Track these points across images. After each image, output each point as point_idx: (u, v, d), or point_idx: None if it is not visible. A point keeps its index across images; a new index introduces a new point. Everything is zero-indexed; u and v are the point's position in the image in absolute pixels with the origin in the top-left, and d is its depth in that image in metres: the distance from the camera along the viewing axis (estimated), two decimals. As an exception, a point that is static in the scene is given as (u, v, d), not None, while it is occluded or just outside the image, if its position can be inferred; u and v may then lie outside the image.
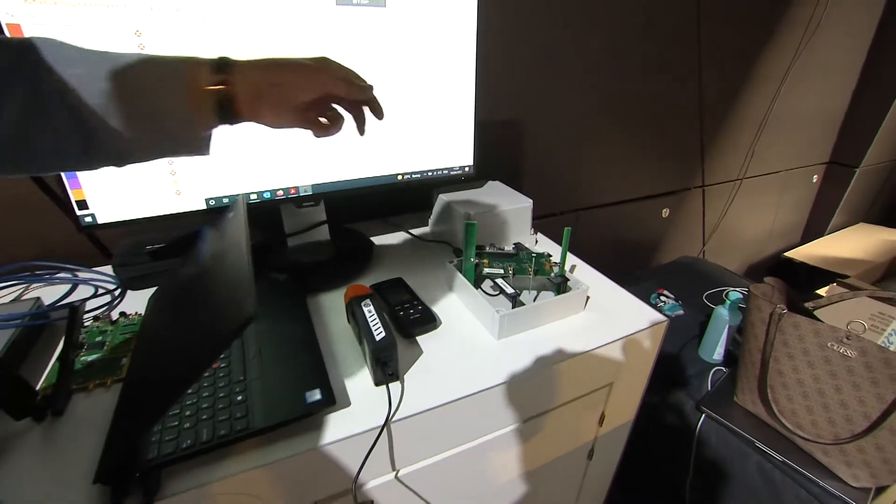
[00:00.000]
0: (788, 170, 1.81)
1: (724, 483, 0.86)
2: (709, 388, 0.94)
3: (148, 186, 0.59)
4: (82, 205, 0.56)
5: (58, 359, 0.50)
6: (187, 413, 0.44)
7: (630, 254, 1.45)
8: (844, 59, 1.69)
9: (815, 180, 1.97)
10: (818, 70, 1.59)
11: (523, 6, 0.94)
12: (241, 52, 0.57)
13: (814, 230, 2.10)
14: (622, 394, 0.66)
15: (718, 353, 0.99)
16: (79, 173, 0.55)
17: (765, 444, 0.80)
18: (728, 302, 0.95)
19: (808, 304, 0.84)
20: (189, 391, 0.46)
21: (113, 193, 0.57)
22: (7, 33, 0.48)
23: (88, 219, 0.57)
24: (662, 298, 1.21)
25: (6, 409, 0.45)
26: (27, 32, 0.48)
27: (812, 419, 0.75)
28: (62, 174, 0.54)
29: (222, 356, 0.51)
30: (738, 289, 1.22)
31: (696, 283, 1.29)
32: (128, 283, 0.67)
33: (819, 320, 0.73)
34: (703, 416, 0.89)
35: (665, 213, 1.48)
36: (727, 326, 0.95)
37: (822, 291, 1.20)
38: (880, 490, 0.73)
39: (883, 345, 0.75)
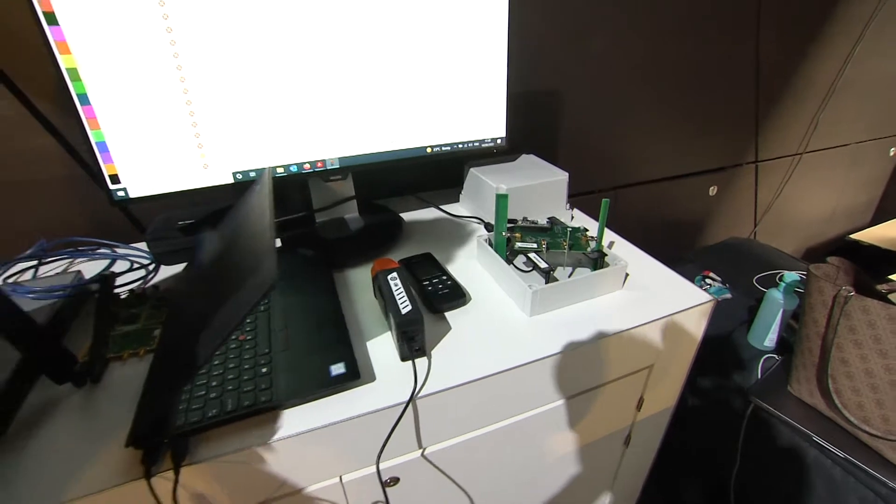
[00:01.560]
0: (859, 142, 1.64)
1: (776, 478, 0.81)
2: (759, 376, 0.88)
3: (176, 160, 0.59)
4: (115, 179, 0.57)
5: (94, 328, 0.52)
6: (213, 384, 0.44)
7: (673, 235, 1.37)
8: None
9: (892, 153, 1.78)
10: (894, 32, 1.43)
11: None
12: (263, 20, 0.55)
13: (889, 210, 1.91)
14: (662, 378, 0.62)
15: (771, 340, 0.92)
16: (111, 147, 0.56)
17: (823, 439, 0.74)
18: (783, 284, 0.87)
19: (882, 287, 0.75)
20: (215, 362, 0.46)
21: (143, 168, 0.58)
22: (40, 11, 0.48)
23: (121, 193, 0.58)
24: (708, 281, 1.14)
25: (49, 374, 0.46)
26: (57, 9, 0.48)
27: (882, 413, 0.68)
28: (95, 148, 0.55)
29: (248, 329, 0.50)
30: (794, 271, 1.13)
31: (745, 266, 1.20)
32: (160, 258, 0.68)
33: (894, 304, 0.66)
34: (752, 405, 0.83)
35: (713, 191, 1.38)
36: (781, 311, 0.88)
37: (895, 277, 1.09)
38: (958, 493, 0.66)
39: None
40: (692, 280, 1.14)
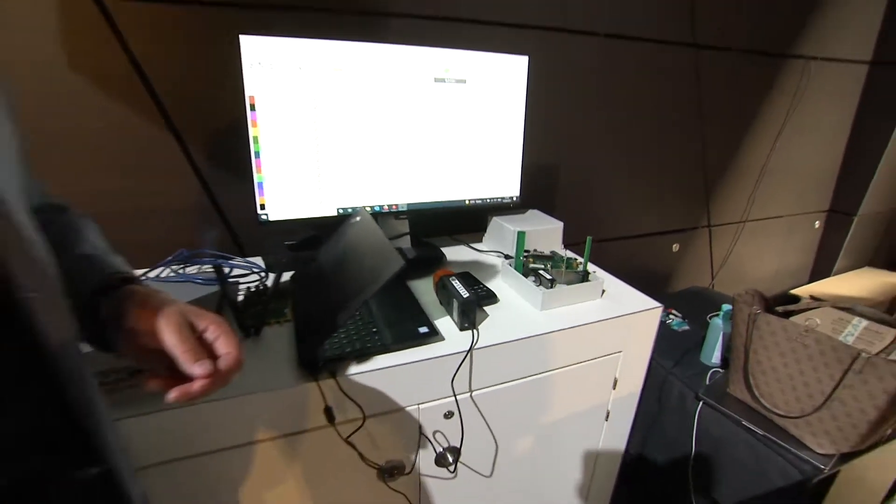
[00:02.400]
0: (791, 215, 2.02)
1: (720, 457, 1.05)
2: (707, 383, 1.14)
3: (302, 198, 0.87)
4: (262, 207, 0.85)
5: (247, 305, 0.77)
6: (342, 336, 0.69)
7: (644, 283, 1.66)
8: (832, 119, 1.93)
9: (817, 226, 2.17)
10: (808, 129, 1.84)
11: (560, 82, 1.24)
12: (345, 114, 0.86)
13: (820, 272, 2.27)
14: (630, 363, 0.89)
15: (716, 358, 1.19)
16: (265, 186, 0.84)
17: (750, 423, 0.99)
18: (722, 313, 1.16)
19: (781, 309, 1.05)
20: (347, 323, 0.72)
21: (281, 201, 0.86)
22: (247, 102, 0.78)
23: (265, 216, 0.86)
24: (671, 316, 1.43)
25: (240, 330, 0.71)
26: (256, 101, 0.79)
27: (784, 399, 0.95)
28: (256, 183, 0.83)
29: (357, 312, 0.76)
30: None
31: (702, 307, 1.49)
32: (269, 267, 0.94)
33: (788, 321, 0.95)
34: (701, 402, 1.09)
35: (675, 247, 1.71)
36: (721, 333, 1.16)
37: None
38: (846, 458, 0.91)
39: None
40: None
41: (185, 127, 0.94)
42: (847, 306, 1.04)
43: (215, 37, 0.89)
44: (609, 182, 1.47)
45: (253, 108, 0.80)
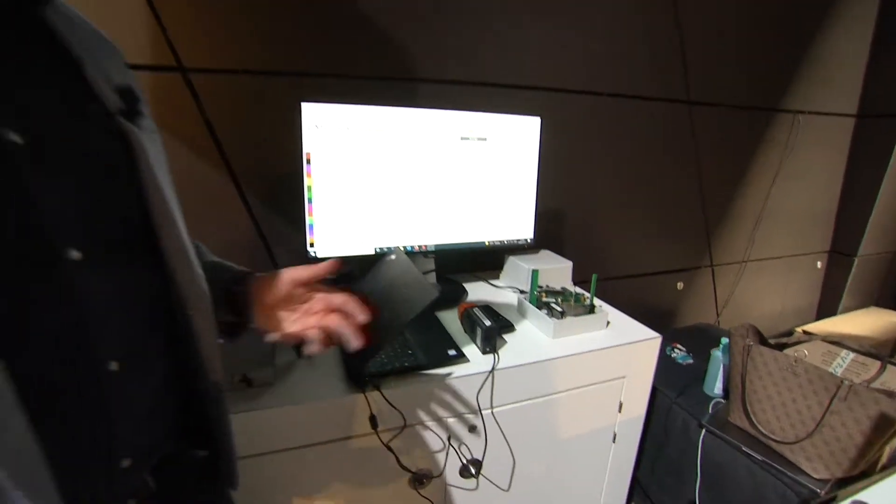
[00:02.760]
0: (791, 256, 2.12)
1: (723, 482, 1.11)
2: (710, 412, 1.22)
3: (346, 238, 1.01)
4: (311, 245, 0.99)
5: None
6: (383, 356, 0.81)
7: (650, 318, 1.74)
8: (825, 166, 2.06)
9: (819, 266, 2.25)
10: (802, 175, 1.97)
11: (569, 135, 1.40)
12: (384, 167, 1.01)
13: (826, 311, 2.33)
14: (634, 389, 0.98)
15: (718, 389, 1.27)
16: (315, 228, 0.98)
17: (749, 449, 1.07)
18: (721, 346, 1.25)
19: (774, 342, 1.14)
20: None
21: (327, 240, 1.00)
22: (304, 157, 0.94)
23: (313, 253, 1.00)
24: (676, 350, 1.51)
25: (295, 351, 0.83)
26: (312, 157, 0.94)
27: (780, 425, 1.03)
28: (308, 225, 0.97)
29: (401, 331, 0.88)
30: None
31: (706, 342, 1.57)
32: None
33: (779, 352, 1.04)
34: (704, 430, 1.16)
35: (679, 286, 1.81)
36: (721, 365, 1.24)
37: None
38: (843, 483, 0.98)
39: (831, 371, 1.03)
40: (663, 349, 1.52)
41: (243, 175, 1.11)
42: (836, 340, 1.13)
43: (278, 101, 1.06)
44: (614, 225, 1.60)
45: (308, 162, 0.95)
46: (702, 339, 1.60)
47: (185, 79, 1.02)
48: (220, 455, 0.51)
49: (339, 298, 0.56)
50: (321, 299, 0.57)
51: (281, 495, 0.74)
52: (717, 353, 1.26)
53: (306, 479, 0.75)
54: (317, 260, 1.00)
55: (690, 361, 1.46)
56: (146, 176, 0.40)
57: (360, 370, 0.76)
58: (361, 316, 0.55)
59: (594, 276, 0.99)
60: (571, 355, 0.87)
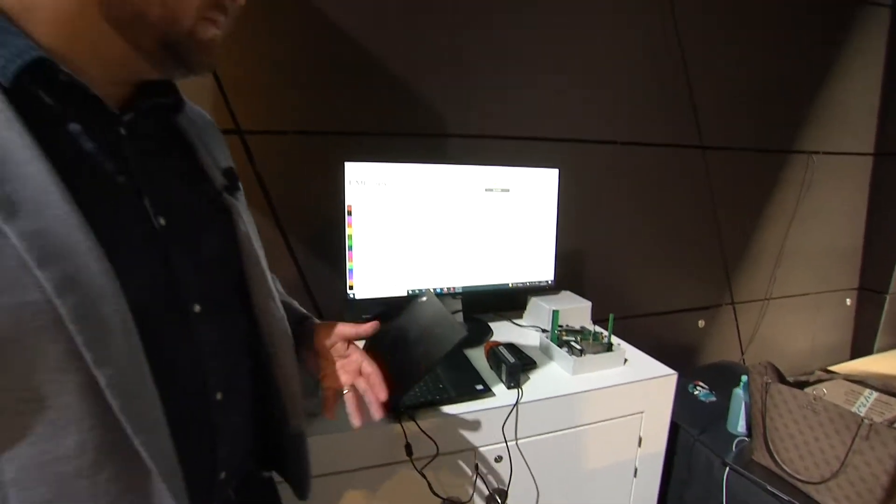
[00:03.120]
0: (817, 293, 2.11)
1: (749, 523, 1.12)
2: (733, 450, 1.23)
3: (381, 281, 1.12)
4: (350, 288, 1.10)
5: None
6: (416, 390, 0.89)
7: (672, 356, 1.75)
8: (845, 204, 2.08)
9: (848, 303, 2.23)
10: (821, 214, 2.00)
11: (587, 182, 1.50)
12: (416, 218, 1.13)
13: (861, 349, 2.28)
14: (653, 424, 1.03)
15: (742, 427, 1.28)
16: (355, 272, 1.09)
17: (773, 488, 1.08)
18: (742, 383, 1.28)
19: (793, 380, 1.16)
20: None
21: (365, 283, 1.11)
22: (346, 210, 1.06)
23: (352, 295, 1.10)
24: (698, 388, 1.53)
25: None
26: (353, 209, 1.07)
27: (804, 465, 1.04)
28: (348, 269, 1.09)
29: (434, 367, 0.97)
30: (765, 385, 1.51)
31: (730, 380, 1.58)
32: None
33: (798, 390, 1.07)
34: (728, 469, 1.18)
35: (701, 324, 1.83)
36: (742, 402, 1.27)
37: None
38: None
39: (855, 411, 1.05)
40: (686, 387, 1.54)
41: (288, 223, 1.24)
42: (859, 380, 1.14)
43: (321, 158, 1.21)
44: (633, 265, 1.66)
45: (349, 213, 1.08)
46: (725, 377, 1.61)
47: (242, 140, 1.18)
48: (297, 470, 0.60)
49: (368, 368, 0.65)
50: (355, 362, 0.66)
51: (325, 517, 0.82)
52: (739, 391, 1.28)
53: (348, 503, 0.82)
54: (355, 301, 1.11)
55: (713, 399, 1.47)
56: (244, 243, 0.51)
57: (396, 402, 0.85)
58: (382, 394, 0.64)
59: (611, 316, 1.06)
60: (591, 390, 0.93)
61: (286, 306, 0.67)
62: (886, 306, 2.17)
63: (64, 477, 0.35)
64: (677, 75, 1.60)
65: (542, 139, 1.45)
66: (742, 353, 1.98)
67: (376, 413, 0.63)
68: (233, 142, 1.16)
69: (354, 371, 0.65)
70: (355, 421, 0.63)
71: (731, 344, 1.95)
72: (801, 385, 1.17)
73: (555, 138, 1.47)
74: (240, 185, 0.56)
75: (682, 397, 1.49)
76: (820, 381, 1.17)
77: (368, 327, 0.67)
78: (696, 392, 1.52)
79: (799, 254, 2.01)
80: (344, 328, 0.65)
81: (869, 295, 2.22)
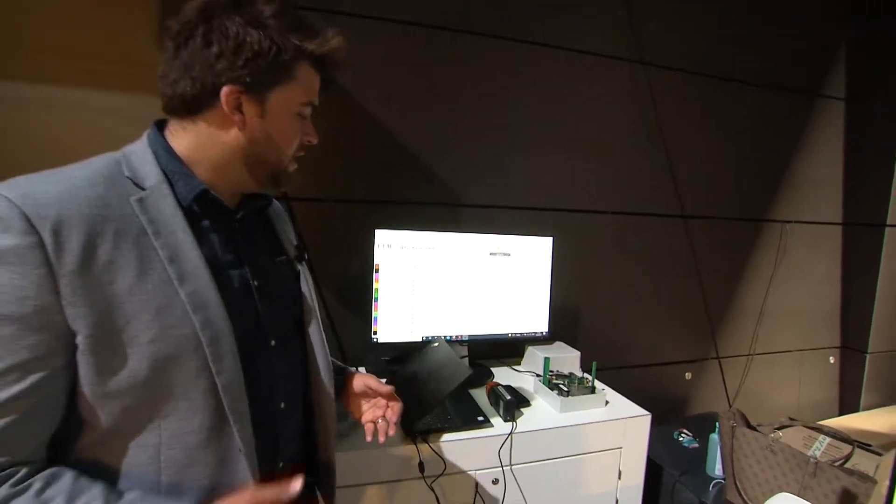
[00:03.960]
0: (800, 350, 2.26)
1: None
2: (710, 490, 1.37)
3: (400, 328, 1.33)
4: (375, 333, 1.32)
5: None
6: (428, 418, 1.08)
7: (660, 407, 1.91)
8: (820, 268, 2.27)
9: (832, 361, 2.36)
10: (798, 276, 2.19)
11: (580, 245, 1.73)
12: (432, 276, 1.36)
13: (849, 406, 2.38)
14: (630, 460, 1.19)
15: (718, 469, 1.42)
16: (379, 319, 1.31)
17: (742, 523, 1.21)
18: (717, 429, 1.43)
19: (757, 425, 1.32)
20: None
21: (387, 330, 1.32)
22: (374, 267, 1.30)
23: (375, 338, 1.32)
24: (682, 435, 1.67)
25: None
26: (380, 267, 1.30)
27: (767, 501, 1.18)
28: (374, 317, 1.30)
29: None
30: (745, 434, 1.65)
31: (713, 428, 1.73)
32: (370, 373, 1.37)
33: (758, 433, 1.23)
34: (704, 508, 1.31)
35: (688, 376, 1.99)
36: (718, 447, 1.41)
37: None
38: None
39: (810, 454, 1.20)
40: (671, 434, 1.68)
41: (322, 276, 1.47)
42: (815, 426, 1.30)
43: (352, 222, 1.46)
44: (622, 320, 1.86)
45: (377, 271, 1.31)
46: (710, 426, 1.75)
47: (288, 204, 1.44)
48: (327, 475, 0.79)
49: (395, 407, 0.85)
50: (382, 401, 0.85)
51: (349, 526, 0.99)
52: (714, 437, 1.44)
53: (368, 514, 1.00)
54: (378, 344, 1.32)
55: (696, 445, 1.62)
56: (305, 298, 0.74)
57: (412, 427, 1.04)
58: (392, 431, 0.82)
59: (594, 364, 1.26)
60: (575, 425, 1.12)
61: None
62: (868, 366, 2.30)
63: (190, 445, 0.55)
64: (658, 153, 1.86)
65: (539, 209, 1.70)
66: (730, 406, 2.11)
67: (391, 432, 0.82)
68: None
69: (382, 407, 0.85)
70: (381, 439, 0.81)
71: (719, 396, 2.09)
72: (764, 433, 1.33)
73: (551, 208, 1.72)
74: (306, 255, 0.79)
75: (668, 443, 1.63)
76: (783, 426, 1.33)
77: (387, 390, 0.86)
78: (680, 439, 1.66)
79: (780, 313, 2.18)
80: (372, 381, 0.85)
81: (851, 354, 2.36)
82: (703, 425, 1.76)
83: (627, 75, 1.78)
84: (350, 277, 1.48)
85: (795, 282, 2.21)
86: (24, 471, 0.48)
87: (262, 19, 0.57)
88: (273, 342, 0.67)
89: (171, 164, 0.59)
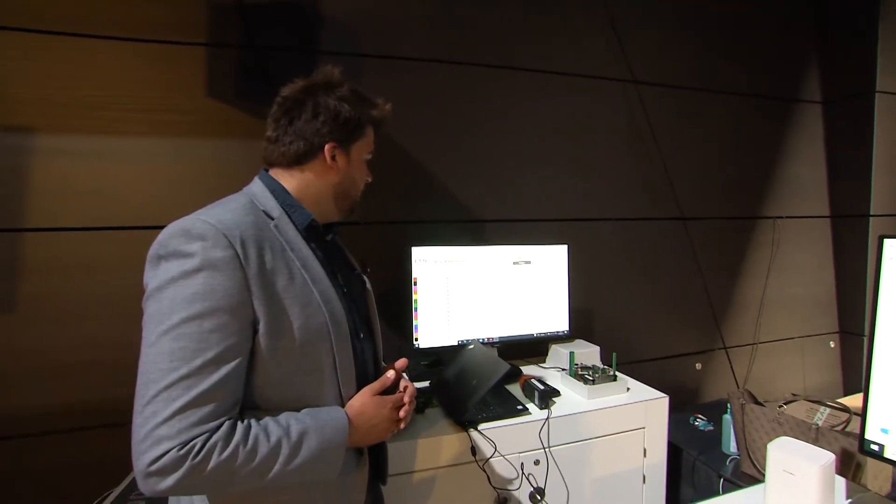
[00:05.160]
0: (801, 337, 2.41)
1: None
2: (727, 465, 1.51)
3: (437, 334, 1.49)
4: (416, 339, 1.47)
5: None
6: (474, 410, 1.23)
7: (673, 395, 2.05)
8: (813, 259, 2.43)
9: (832, 345, 2.51)
10: (793, 267, 2.35)
11: (594, 250, 1.89)
12: (464, 285, 1.52)
13: (853, 388, 2.52)
14: (653, 438, 1.33)
15: (733, 447, 1.56)
16: (419, 327, 1.47)
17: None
18: (728, 409, 1.58)
19: (766, 403, 1.47)
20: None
21: (426, 336, 1.48)
22: (414, 281, 1.46)
23: (417, 345, 1.47)
24: (698, 420, 1.81)
25: (417, 411, 1.27)
26: (419, 280, 1.47)
27: (776, 468, 1.32)
28: (415, 325, 1.46)
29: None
30: (755, 415, 1.79)
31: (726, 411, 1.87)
32: (411, 377, 1.52)
33: (765, 407, 1.38)
34: (722, 480, 1.45)
35: (698, 366, 2.13)
36: (731, 426, 1.56)
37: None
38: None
39: (812, 424, 1.35)
40: (687, 420, 1.83)
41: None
42: (816, 399, 1.45)
43: (393, 241, 1.62)
44: (634, 317, 2.02)
45: (416, 284, 1.47)
46: (722, 410, 1.89)
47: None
48: (381, 457, 0.93)
49: (407, 385, 0.95)
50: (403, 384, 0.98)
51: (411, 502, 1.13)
52: (727, 417, 1.58)
53: (424, 496, 1.14)
54: (419, 349, 1.48)
55: (711, 428, 1.76)
56: (370, 299, 0.91)
57: (461, 417, 1.19)
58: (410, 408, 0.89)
59: (614, 354, 1.41)
60: (602, 409, 1.27)
61: None
62: (865, 347, 2.44)
63: (323, 402, 0.72)
64: (656, 163, 2.04)
65: (554, 220, 1.87)
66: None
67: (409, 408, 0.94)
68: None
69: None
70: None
71: (728, 383, 2.23)
72: (761, 403, 1.47)
73: (564, 219, 1.89)
74: (368, 269, 0.96)
75: (684, 427, 1.77)
76: (788, 402, 1.48)
77: (402, 363, 0.98)
78: (696, 423, 1.81)
79: (779, 303, 2.34)
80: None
81: (850, 337, 2.50)
82: (715, 410, 1.90)
83: (622, 94, 1.98)
84: (392, 291, 1.63)
85: (791, 273, 2.37)
86: (238, 420, 0.64)
87: (347, 96, 0.79)
88: (361, 335, 0.84)
89: (288, 200, 0.77)
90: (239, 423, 0.63)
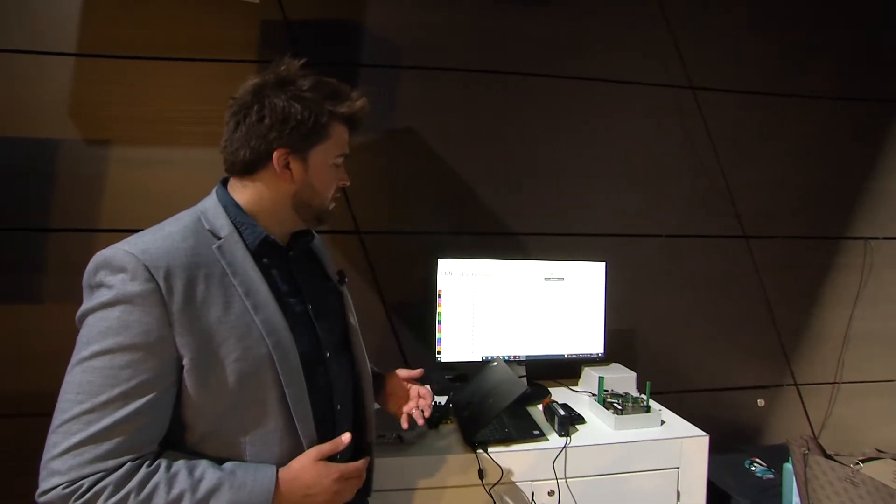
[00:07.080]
0: (900, 379, 2.06)
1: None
2: (785, 523, 1.31)
3: (461, 348, 1.45)
4: (439, 353, 1.45)
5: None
6: (486, 430, 1.18)
7: (730, 434, 1.83)
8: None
9: (941, 392, 2.12)
10: (888, 299, 2.02)
11: (635, 270, 1.76)
12: (491, 300, 1.47)
13: (969, 446, 2.11)
14: (689, 481, 1.20)
15: (796, 501, 1.36)
16: (442, 340, 1.44)
17: (818, 556, 1.16)
18: (791, 458, 1.38)
19: (839, 458, 1.26)
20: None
21: (450, 349, 1.45)
22: (438, 294, 1.44)
23: (439, 358, 1.44)
24: (755, 464, 1.60)
25: (430, 426, 1.24)
26: (443, 292, 1.45)
27: (843, 532, 1.13)
28: (437, 338, 1.44)
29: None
30: (829, 467, 1.55)
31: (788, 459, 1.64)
32: (435, 391, 1.49)
33: (836, 462, 1.18)
34: (778, 538, 1.26)
35: (760, 403, 1.89)
36: (793, 476, 1.36)
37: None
38: None
39: None
40: (742, 463, 1.62)
41: (390, 301, 1.63)
42: (901, 457, 1.22)
43: (417, 253, 1.62)
44: (683, 343, 1.84)
45: (440, 296, 1.45)
46: (787, 456, 1.66)
47: (360, 238, 1.64)
48: (370, 449, 0.90)
49: (424, 391, 0.98)
50: (415, 391, 0.98)
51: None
52: (788, 466, 1.38)
53: (434, 516, 1.10)
54: (441, 363, 1.45)
55: (770, 476, 1.55)
56: (348, 316, 0.89)
57: (473, 437, 1.14)
58: (427, 413, 0.95)
59: (648, 383, 1.29)
60: (629, 442, 1.16)
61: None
62: None
63: (268, 441, 0.68)
64: (713, 175, 1.86)
65: (592, 235, 1.77)
66: (816, 437, 1.97)
67: (427, 414, 0.95)
68: (352, 240, 1.62)
69: (416, 397, 0.97)
70: (419, 422, 0.93)
71: (800, 426, 1.96)
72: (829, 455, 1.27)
73: (603, 234, 1.78)
74: (346, 279, 0.93)
75: (737, 471, 1.58)
76: (868, 458, 1.26)
77: (417, 371, 1.00)
78: (752, 468, 1.60)
79: (871, 338, 2.02)
80: (402, 373, 1.00)
81: (966, 385, 2.10)
82: (779, 455, 1.67)
83: (674, 101, 1.83)
84: (416, 302, 1.63)
85: (886, 303, 2.04)
86: (147, 460, 0.61)
87: (302, 93, 0.71)
88: (328, 353, 0.81)
89: (239, 216, 0.73)
90: (145, 466, 0.60)
